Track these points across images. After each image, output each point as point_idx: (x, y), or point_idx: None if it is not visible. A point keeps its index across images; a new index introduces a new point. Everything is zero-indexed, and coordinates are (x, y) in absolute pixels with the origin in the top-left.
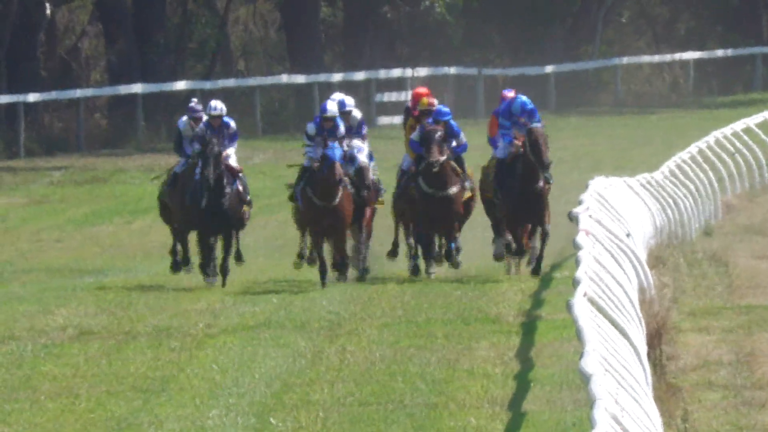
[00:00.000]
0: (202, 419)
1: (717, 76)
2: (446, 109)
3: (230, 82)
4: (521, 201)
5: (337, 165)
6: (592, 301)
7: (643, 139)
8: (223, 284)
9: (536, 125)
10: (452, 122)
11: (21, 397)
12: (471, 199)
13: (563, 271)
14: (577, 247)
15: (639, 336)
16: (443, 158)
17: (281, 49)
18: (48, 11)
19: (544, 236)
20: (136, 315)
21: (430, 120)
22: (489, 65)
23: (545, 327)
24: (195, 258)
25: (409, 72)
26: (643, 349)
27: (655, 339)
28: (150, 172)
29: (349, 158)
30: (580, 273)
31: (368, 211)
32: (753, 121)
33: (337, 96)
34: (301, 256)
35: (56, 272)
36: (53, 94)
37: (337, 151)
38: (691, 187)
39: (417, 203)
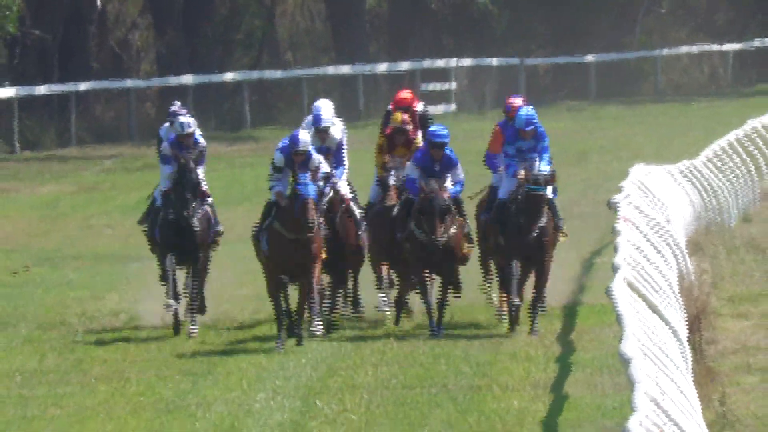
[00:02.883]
0: (249, 402)
1: (756, 66)
2: (443, 131)
3: (277, 73)
4: (521, 243)
5: (311, 203)
6: (631, 287)
7: (683, 128)
8: (191, 323)
9: (540, 190)
10: (449, 150)
11: (73, 381)
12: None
13: (603, 257)
14: (616, 234)
15: (679, 321)
16: (445, 236)
17: (327, 40)
18: (99, 3)
19: (539, 291)
20: (184, 300)
21: (424, 147)
22: (531, 55)
23: (586, 312)
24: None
25: (453, 62)
26: (683, 333)
27: (694, 324)
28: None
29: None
30: (618, 259)
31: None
32: None
33: (321, 104)
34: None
35: (106, 258)
36: (104, 84)
37: (310, 187)
38: (730, 174)
39: (410, 251)
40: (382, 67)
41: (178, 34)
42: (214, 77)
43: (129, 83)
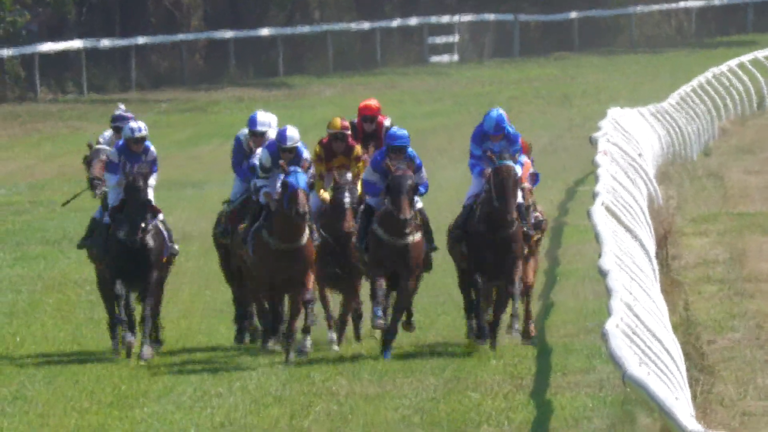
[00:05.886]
0: None
1: (715, 21)
2: (402, 133)
3: (306, 29)
4: (485, 251)
5: (301, 192)
6: (609, 210)
7: (653, 75)
8: (142, 354)
9: (506, 163)
10: (411, 151)
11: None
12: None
13: (585, 186)
14: (596, 165)
15: (649, 239)
16: (412, 214)
17: (349, 0)
18: None
19: (512, 296)
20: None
21: (384, 149)
22: (523, 12)
23: (570, 231)
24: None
25: (456, 18)
26: (653, 249)
27: (662, 241)
28: (240, 102)
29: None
30: (599, 187)
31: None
32: (745, 58)
33: (260, 113)
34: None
35: (164, 185)
36: (160, 38)
37: (300, 176)
38: (693, 114)
39: (371, 252)
40: (395, 23)
41: None
42: (253, 32)
43: (180, 37)
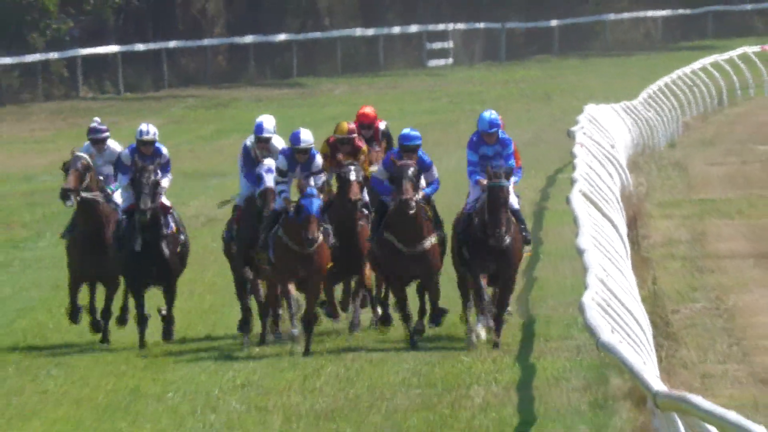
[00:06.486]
0: None
1: (680, 28)
2: (416, 133)
3: (317, 34)
4: (486, 256)
5: (314, 219)
6: (585, 196)
7: (625, 75)
8: (167, 335)
9: (501, 184)
10: (422, 152)
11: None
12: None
13: (564, 174)
14: (573, 156)
15: (620, 221)
16: (418, 197)
17: (356, 9)
18: None
19: (503, 302)
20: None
21: (396, 150)
22: (509, 20)
23: (551, 215)
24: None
25: (450, 26)
26: (624, 230)
27: (632, 223)
28: (258, 100)
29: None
30: (576, 174)
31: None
32: (706, 61)
33: (265, 121)
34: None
35: (190, 175)
36: (188, 42)
37: (315, 201)
38: (660, 110)
39: (385, 259)
40: (396, 30)
41: (243, 3)
42: (270, 37)
43: (206, 42)
